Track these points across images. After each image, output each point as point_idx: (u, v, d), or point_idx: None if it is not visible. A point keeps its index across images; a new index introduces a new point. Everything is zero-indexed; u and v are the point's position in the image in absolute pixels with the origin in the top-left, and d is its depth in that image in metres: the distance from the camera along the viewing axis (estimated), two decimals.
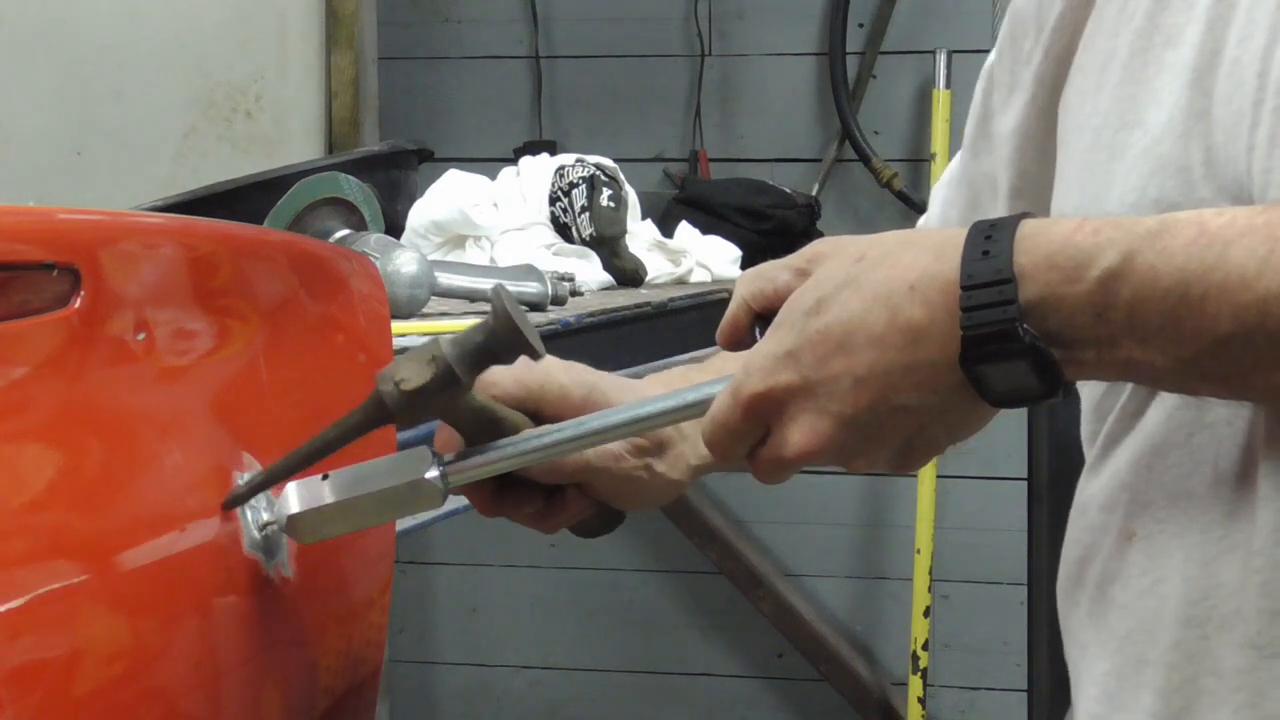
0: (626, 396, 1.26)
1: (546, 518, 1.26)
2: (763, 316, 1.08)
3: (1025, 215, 1.02)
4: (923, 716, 3.93)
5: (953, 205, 1.36)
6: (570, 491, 1.26)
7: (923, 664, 3.90)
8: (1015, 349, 0.99)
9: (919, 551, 3.88)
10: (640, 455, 1.27)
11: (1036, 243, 1.00)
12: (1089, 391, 1.16)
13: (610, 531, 1.32)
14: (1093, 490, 1.15)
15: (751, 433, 1.07)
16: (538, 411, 1.23)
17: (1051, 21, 1.20)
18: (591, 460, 1.24)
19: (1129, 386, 1.11)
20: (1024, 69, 1.23)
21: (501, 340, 1.13)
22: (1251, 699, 1.05)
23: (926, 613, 3.88)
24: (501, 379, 1.23)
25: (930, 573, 3.88)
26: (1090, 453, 1.16)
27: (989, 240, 1.01)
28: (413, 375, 1.12)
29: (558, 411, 1.23)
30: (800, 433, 1.05)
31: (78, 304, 1.03)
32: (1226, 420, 1.06)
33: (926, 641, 3.89)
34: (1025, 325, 0.99)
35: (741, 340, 1.09)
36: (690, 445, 1.30)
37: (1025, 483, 3.42)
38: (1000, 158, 1.27)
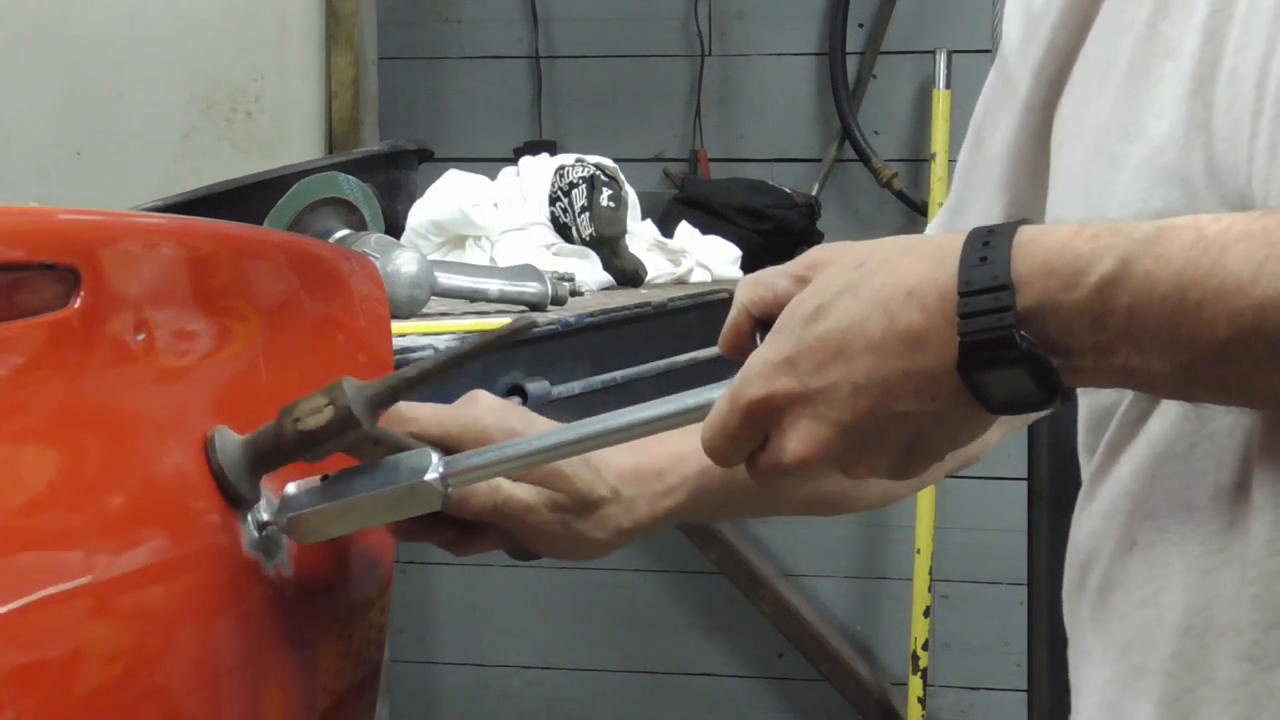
0: None
1: (461, 545, 1.28)
2: (763, 323, 1.08)
3: (1024, 221, 1.02)
4: (923, 716, 3.93)
5: None
6: (488, 529, 1.27)
7: (923, 664, 3.90)
8: (1012, 356, 0.99)
9: (919, 551, 3.87)
10: (556, 510, 1.28)
11: (1034, 249, 1.00)
12: (1086, 403, 1.16)
13: (541, 556, 1.33)
14: (1095, 497, 1.15)
15: (750, 439, 1.07)
16: (457, 452, 1.23)
17: (1043, 43, 1.20)
18: (500, 505, 1.25)
19: (1129, 395, 1.11)
20: (1014, 95, 1.23)
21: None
22: (1248, 711, 1.05)
23: (926, 613, 3.88)
24: (420, 415, 1.23)
25: (930, 573, 3.88)
26: (1090, 464, 1.16)
27: (987, 247, 1.00)
28: (309, 415, 1.12)
29: None
30: (799, 439, 1.05)
31: (78, 304, 1.03)
32: (1228, 430, 1.06)
33: (926, 641, 3.89)
34: (1023, 332, 0.99)
35: (743, 347, 1.09)
36: (623, 508, 1.31)
37: (1025, 483, 3.42)
38: (991, 180, 1.27)
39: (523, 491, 1.27)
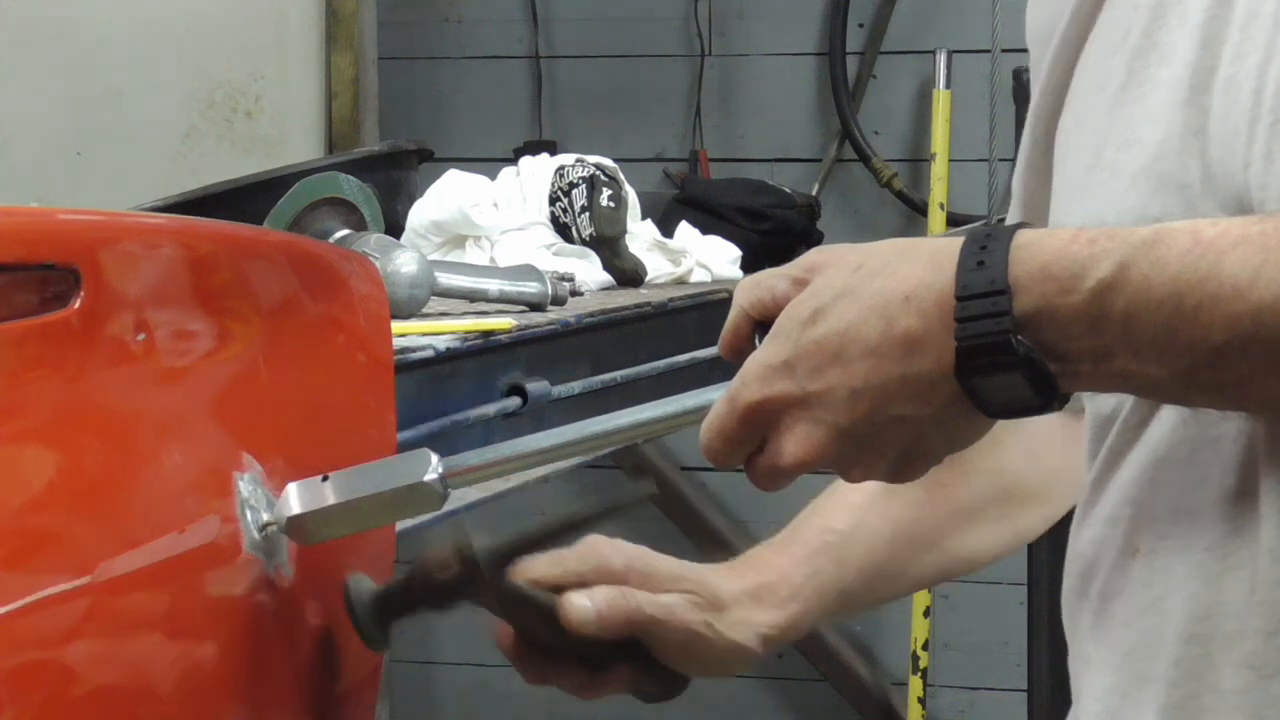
0: (669, 565, 1.29)
1: (591, 689, 1.30)
2: (763, 325, 1.08)
3: (1021, 226, 1.02)
4: (923, 716, 3.93)
5: None
6: (617, 670, 1.28)
7: (923, 664, 3.90)
8: (1009, 361, 0.99)
9: None
10: (696, 610, 1.29)
11: (1031, 253, 0.99)
12: (1088, 409, 1.16)
13: (674, 696, 1.33)
14: (1097, 504, 1.14)
15: (748, 441, 1.07)
16: (579, 585, 1.26)
17: (1049, 56, 1.20)
18: (645, 609, 1.26)
19: (1130, 401, 1.11)
20: (1029, 111, 1.23)
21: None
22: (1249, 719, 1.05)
23: (926, 613, 3.88)
24: (535, 561, 1.26)
25: None
26: (1091, 469, 1.15)
27: (984, 251, 1.00)
28: (436, 569, 1.21)
29: (599, 582, 1.26)
30: (796, 442, 1.05)
31: (78, 304, 1.03)
32: (1231, 436, 1.06)
33: (926, 641, 3.89)
34: (1020, 337, 0.98)
35: (743, 349, 1.09)
36: (750, 613, 1.31)
37: None
38: (1015, 196, 1.27)
39: (663, 596, 1.28)
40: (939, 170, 3.85)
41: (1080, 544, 1.16)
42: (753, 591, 1.33)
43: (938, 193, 3.86)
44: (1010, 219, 1.26)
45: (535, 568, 1.25)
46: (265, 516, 1.14)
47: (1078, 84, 1.18)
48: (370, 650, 1.19)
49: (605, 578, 1.26)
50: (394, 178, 2.50)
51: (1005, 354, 0.99)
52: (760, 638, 1.32)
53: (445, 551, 1.19)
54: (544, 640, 1.27)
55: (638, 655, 1.28)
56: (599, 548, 1.28)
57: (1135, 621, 1.10)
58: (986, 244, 1.00)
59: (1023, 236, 1.00)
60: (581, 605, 1.25)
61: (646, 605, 1.26)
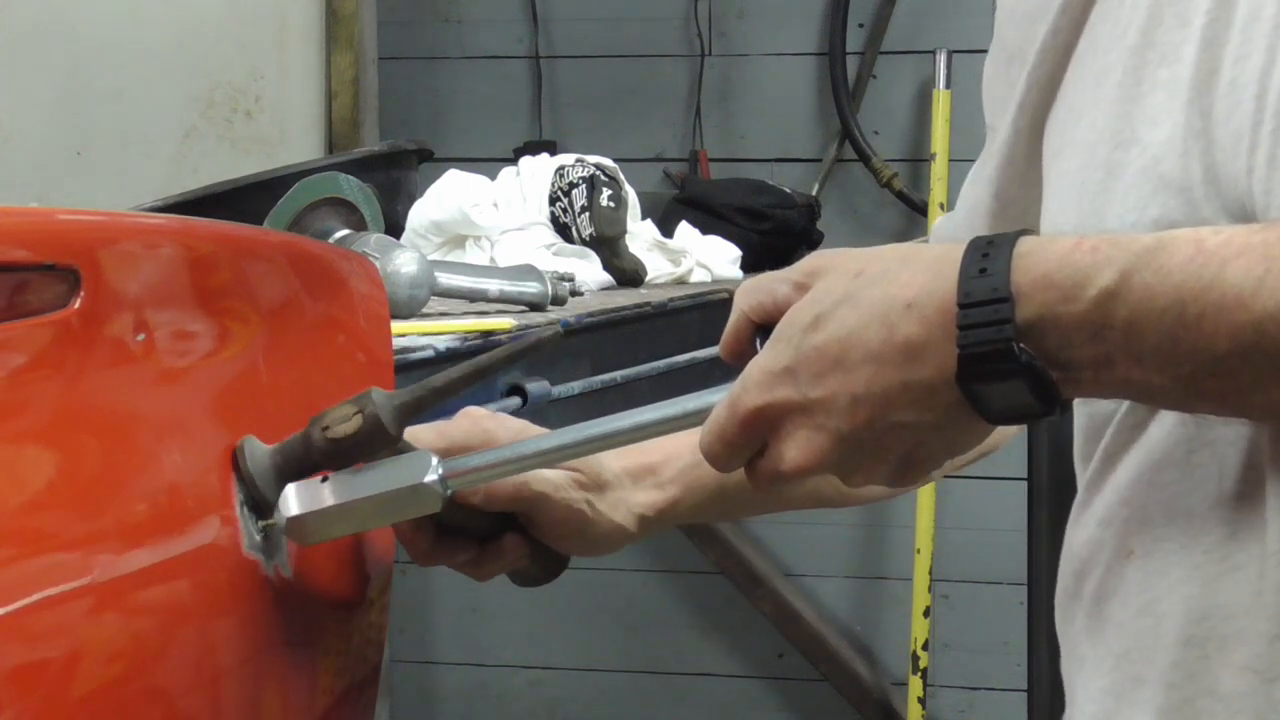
0: None
1: (481, 564, 1.27)
2: (764, 328, 1.07)
3: (1024, 232, 1.01)
4: (923, 716, 3.93)
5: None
6: (507, 539, 1.27)
7: (923, 664, 3.90)
8: (1011, 368, 0.99)
9: (919, 551, 3.87)
10: (580, 489, 1.29)
11: (1034, 261, 0.99)
12: (1084, 411, 1.16)
13: (551, 579, 1.33)
14: (1091, 505, 1.14)
15: (749, 446, 1.07)
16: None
17: (1037, 44, 1.19)
18: (531, 484, 1.25)
19: (1126, 403, 1.11)
20: (1010, 93, 1.23)
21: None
22: None
23: (926, 613, 3.88)
24: (422, 435, 1.24)
25: (930, 573, 3.88)
26: (1086, 471, 1.15)
27: (986, 258, 1.00)
28: (338, 424, 1.14)
29: None
30: (797, 448, 1.05)
31: (77, 304, 1.03)
32: (1230, 439, 1.05)
33: (926, 641, 3.89)
34: (1022, 345, 0.98)
35: (744, 352, 1.09)
36: (629, 493, 1.32)
37: (1025, 483, 3.42)
38: (982, 176, 1.27)
39: (547, 472, 1.27)
40: (939, 170, 3.85)
41: (1074, 545, 1.15)
42: (634, 471, 1.33)
43: (938, 193, 3.85)
44: (978, 206, 1.26)
45: (419, 438, 1.23)
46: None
47: (1071, 78, 1.17)
48: (260, 512, 1.14)
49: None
50: (394, 178, 2.50)
51: (1007, 362, 0.99)
52: (636, 518, 1.32)
53: (347, 408, 1.15)
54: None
55: (519, 529, 1.28)
56: (483, 422, 1.26)
57: (1130, 624, 1.10)
58: (989, 251, 1.00)
59: (1025, 244, 1.00)
60: None
61: (533, 481, 1.25)
